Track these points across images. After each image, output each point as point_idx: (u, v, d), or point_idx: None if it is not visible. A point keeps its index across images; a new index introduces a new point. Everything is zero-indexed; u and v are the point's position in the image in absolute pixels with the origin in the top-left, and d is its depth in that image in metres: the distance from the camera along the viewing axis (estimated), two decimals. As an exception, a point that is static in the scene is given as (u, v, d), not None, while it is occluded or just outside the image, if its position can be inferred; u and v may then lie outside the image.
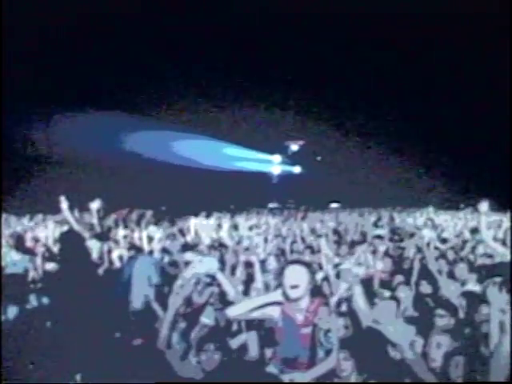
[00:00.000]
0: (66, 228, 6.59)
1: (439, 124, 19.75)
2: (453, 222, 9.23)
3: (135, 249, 6.30)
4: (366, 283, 5.03)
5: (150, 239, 6.66)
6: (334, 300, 3.81)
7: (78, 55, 16.94)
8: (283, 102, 21.49)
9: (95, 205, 6.50)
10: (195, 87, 19.91)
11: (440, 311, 4.09)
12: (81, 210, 7.28)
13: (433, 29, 17.19)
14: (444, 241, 7.69)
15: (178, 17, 16.99)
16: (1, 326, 3.66)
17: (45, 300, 4.66)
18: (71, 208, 6.03)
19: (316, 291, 3.42)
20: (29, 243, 7.32)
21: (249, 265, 5.36)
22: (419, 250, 6.40)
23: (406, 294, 4.50)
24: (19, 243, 6.92)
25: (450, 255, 6.53)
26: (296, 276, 3.22)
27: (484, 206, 5.36)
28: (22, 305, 4.44)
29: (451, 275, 5.26)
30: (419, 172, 21.18)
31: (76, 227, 6.03)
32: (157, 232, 6.90)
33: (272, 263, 6.19)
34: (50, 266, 5.73)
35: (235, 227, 8.43)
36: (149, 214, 10.51)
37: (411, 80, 18.96)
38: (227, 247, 6.69)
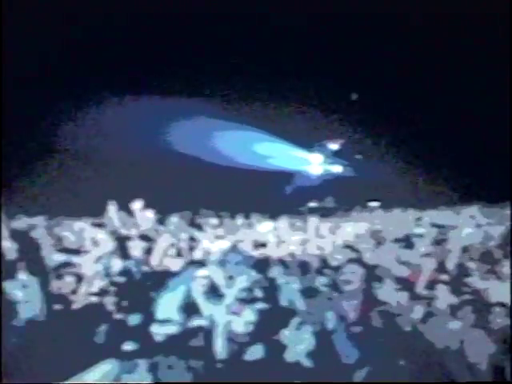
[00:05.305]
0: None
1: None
2: (497, 220, 8.94)
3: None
4: (408, 283, 5.02)
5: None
6: None
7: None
8: (322, 101, 21.39)
9: (138, 205, 6.58)
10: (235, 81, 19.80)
11: (490, 311, 4.05)
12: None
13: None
14: (489, 238, 7.50)
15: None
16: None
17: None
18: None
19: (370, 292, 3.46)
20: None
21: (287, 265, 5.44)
22: (462, 248, 6.28)
23: (448, 294, 4.46)
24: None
25: (496, 253, 6.38)
26: (352, 273, 3.34)
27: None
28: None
29: (497, 274, 5.17)
30: (462, 169, 20.62)
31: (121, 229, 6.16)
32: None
33: (313, 264, 6.20)
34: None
35: (275, 228, 8.47)
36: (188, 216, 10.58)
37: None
38: (268, 248, 6.75)
